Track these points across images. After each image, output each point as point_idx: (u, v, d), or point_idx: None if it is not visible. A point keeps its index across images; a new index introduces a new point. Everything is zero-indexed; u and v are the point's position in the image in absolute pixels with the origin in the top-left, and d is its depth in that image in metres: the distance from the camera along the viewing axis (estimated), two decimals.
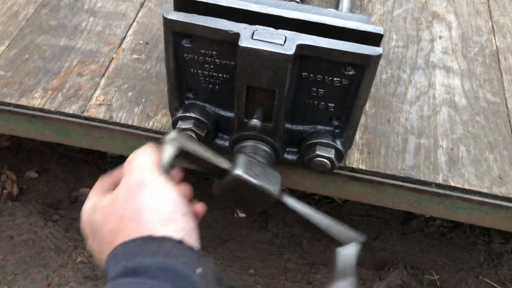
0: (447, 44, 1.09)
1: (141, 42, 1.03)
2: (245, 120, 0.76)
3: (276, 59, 0.67)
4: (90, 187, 0.61)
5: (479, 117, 0.96)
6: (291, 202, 0.71)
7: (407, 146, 0.90)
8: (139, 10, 1.10)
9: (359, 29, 0.71)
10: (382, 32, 0.72)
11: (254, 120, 0.73)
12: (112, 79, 0.96)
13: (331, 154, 0.78)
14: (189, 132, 0.79)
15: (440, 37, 1.11)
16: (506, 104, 0.99)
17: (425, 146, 0.90)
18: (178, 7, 0.73)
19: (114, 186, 0.55)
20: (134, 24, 1.07)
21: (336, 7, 1.11)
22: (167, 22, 0.69)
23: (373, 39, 0.72)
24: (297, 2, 1.05)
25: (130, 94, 0.93)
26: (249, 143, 0.78)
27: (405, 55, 1.06)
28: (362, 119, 0.93)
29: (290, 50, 0.66)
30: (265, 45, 0.66)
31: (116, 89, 0.94)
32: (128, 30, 1.05)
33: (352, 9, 1.09)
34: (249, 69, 0.69)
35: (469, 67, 1.05)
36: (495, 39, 1.12)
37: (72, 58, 0.99)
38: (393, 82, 1.00)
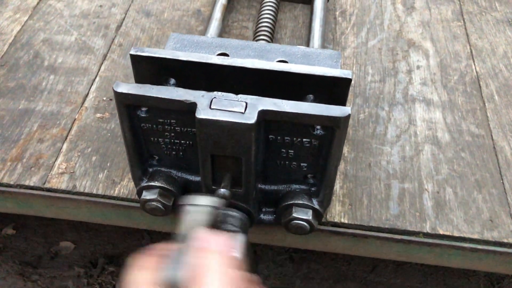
0: (426, 74, 1.05)
1: (104, 98, 0.98)
2: (213, 187, 0.71)
3: (237, 129, 0.62)
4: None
5: (464, 153, 0.91)
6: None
7: (391, 192, 0.85)
8: (101, 63, 1.05)
9: (326, 75, 0.69)
10: (350, 77, 0.70)
11: (222, 190, 0.68)
12: (75, 143, 0.90)
13: (309, 215, 0.72)
14: (155, 203, 0.74)
15: (418, 67, 1.06)
16: (491, 135, 0.94)
17: (409, 191, 0.85)
18: (135, 63, 0.71)
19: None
20: (97, 79, 1.02)
21: (308, 42, 1.07)
22: (118, 96, 0.64)
23: (342, 83, 0.69)
24: (267, 40, 1.01)
25: (94, 158, 0.88)
26: (220, 210, 0.73)
27: (383, 90, 1.01)
28: (342, 166, 0.88)
29: (251, 118, 0.61)
30: (224, 115, 0.61)
31: (79, 154, 0.89)
32: (90, 86, 1.00)
33: (323, 44, 1.04)
34: (211, 139, 0.64)
35: (450, 97, 1.01)
36: (474, 64, 1.08)
37: (32, 123, 0.93)
38: (372, 121, 0.96)
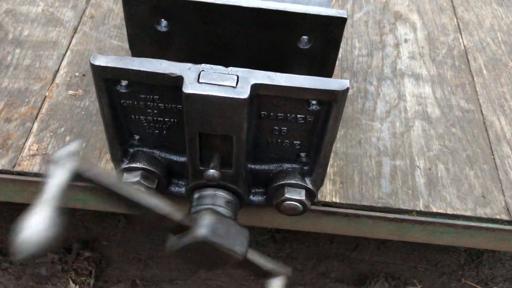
0: (414, 47, 1.02)
1: (77, 74, 0.91)
2: (201, 168, 0.66)
3: (229, 104, 0.57)
4: None
5: (455, 129, 0.89)
6: (256, 258, 0.64)
7: (382, 170, 0.82)
8: (72, 36, 0.97)
9: (321, 14, 0.70)
10: (345, 16, 0.70)
11: (211, 170, 0.63)
12: (47, 122, 0.84)
13: (302, 195, 0.69)
14: (137, 186, 0.68)
15: (406, 41, 1.03)
16: (481, 110, 0.92)
17: (401, 168, 0.83)
18: (126, 3, 0.71)
19: None
20: (68, 53, 0.94)
21: None
22: (96, 69, 0.58)
23: (337, 23, 0.70)
24: None
25: (67, 138, 0.82)
26: (208, 192, 0.69)
27: (371, 64, 0.98)
28: None
29: (244, 93, 0.56)
30: (214, 89, 0.56)
31: (51, 134, 0.82)
32: (61, 61, 0.93)
33: None
34: (199, 116, 0.59)
35: (438, 72, 0.98)
36: (462, 37, 1.05)
37: None
38: (360, 97, 0.92)
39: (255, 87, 0.58)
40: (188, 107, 0.58)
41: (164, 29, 0.75)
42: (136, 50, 0.81)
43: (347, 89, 0.59)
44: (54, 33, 0.97)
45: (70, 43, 0.96)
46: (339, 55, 0.99)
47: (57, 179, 0.47)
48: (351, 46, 1.01)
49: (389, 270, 1.34)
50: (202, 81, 0.57)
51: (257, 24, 0.73)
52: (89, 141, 0.82)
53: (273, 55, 0.78)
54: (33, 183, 0.78)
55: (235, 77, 0.58)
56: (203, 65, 0.59)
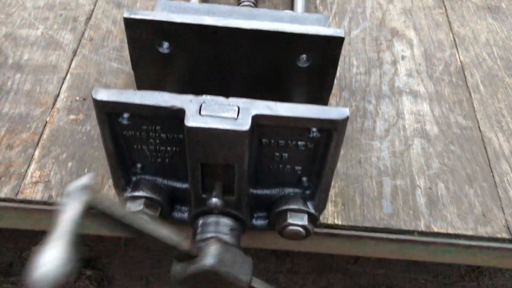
0: (411, 65, 1.03)
1: (77, 98, 0.92)
2: (203, 196, 0.67)
3: (230, 136, 0.57)
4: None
5: (454, 146, 0.90)
6: (258, 285, 0.66)
7: (383, 190, 0.83)
8: (72, 60, 0.98)
9: (319, 34, 0.72)
10: (343, 35, 0.72)
11: (214, 199, 0.64)
12: (48, 148, 0.84)
13: (304, 220, 0.69)
14: (142, 215, 0.69)
15: (403, 58, 1.04)
16: (479, 127, 0.93)
17: (402, 188, 0.83)
18: (129, 26, 0.72)
19: None
20: (68, 77, 0.95)
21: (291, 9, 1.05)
22: (98, 104, 0.58)
23: (335, 42, 0.72)
24: (251, 6, 1.00)
25: (70, 164, 0.82)
26: (211, 219, 0.69)
27: (369, 82, 0.99)
28: None
29: (245, 124, 0.57)
30: (215, 121, 0.57)
31: (53, 160, 0.82)
32: (61, 85, 0.93)
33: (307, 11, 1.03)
34: (201, 147, 0.59)
35: (436, 89, 0.99)
36: (458, 53, 1.06)
37: None
38: (359, 116, 0.93)
39: (256, 118, 0.58)
40: (190, 139, 0.59)
41: (166, 51, 0.77)
42: (139, 71, 0.82)
43: (347, 117, 0.59)
44: (53, 56, 0.98)
45: (70, 67, 0.96)
46: (338, 74, 0.99)
47: (70, 213, 0.47)
48: (348, 64, 1.02)
49: (390, 282, 1.34)
50: (204, 113, 0.58)
51: (257, 44, 0.75)
52: (91, 166, 0.82)
53: (273, 73, 0.79)
54: (36, 211, 0.78)
55: (236, 108, 0.58)
56: (204, 96, 0.59)
